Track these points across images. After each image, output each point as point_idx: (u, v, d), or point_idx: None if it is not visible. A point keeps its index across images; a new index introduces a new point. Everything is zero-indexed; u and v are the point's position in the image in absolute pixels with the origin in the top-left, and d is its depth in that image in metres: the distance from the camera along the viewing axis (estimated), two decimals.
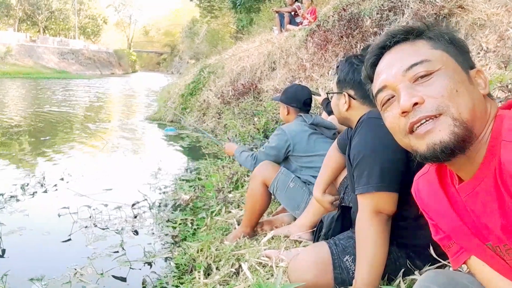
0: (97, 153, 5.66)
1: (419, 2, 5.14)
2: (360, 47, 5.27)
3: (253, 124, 5.13)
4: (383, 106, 0.80)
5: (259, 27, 12.34)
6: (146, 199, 3.41)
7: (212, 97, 7.27)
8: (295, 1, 8.22)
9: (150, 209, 3.28)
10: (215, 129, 6.66)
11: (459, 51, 0.77)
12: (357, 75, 1.49)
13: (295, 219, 2.30)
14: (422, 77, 0.73)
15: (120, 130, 7.72)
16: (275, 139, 2.37)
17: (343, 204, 1.76)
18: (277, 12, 8.39)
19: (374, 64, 0.83)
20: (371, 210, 1.28)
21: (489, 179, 0.71)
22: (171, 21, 61.44)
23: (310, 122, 2.37)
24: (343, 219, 1.65)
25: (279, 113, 5.15)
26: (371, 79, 0.85)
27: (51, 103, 12.03)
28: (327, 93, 2.87)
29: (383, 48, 0.82)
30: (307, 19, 7.68)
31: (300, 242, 2.04)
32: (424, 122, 0.70)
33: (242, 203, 2.89)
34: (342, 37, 5.94)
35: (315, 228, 1.84)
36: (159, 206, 3.35)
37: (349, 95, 1.53)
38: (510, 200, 0.67)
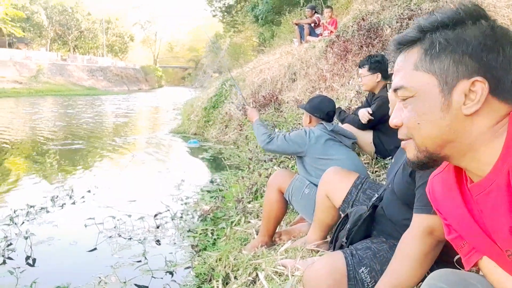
0: (123, 166, 5.83)
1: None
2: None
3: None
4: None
5: (280, 39, 12.46)
6: (168, 210, 3.50)
7: (233, 110, 7.38)
8: (314, 13, 8.28)
9: (172, 219, 3.36)
10: (237, 140, 6.74)
11: (452, 61, 0.70)
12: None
13: None
14: (403, 99, 0.77)
15: (146, 143, 7.92)
16: (295, 135, 2.42)
17: (375, 204, 1.67)
18: (296, 24, 8.46)
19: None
20: (424, 230, 1.26)
21: (501, 179, 0.70)
22: (195, 37, 62.74)
23: (330, 129, 2.41)
24: (369, 220, 1.63)
25: (300, 123, 5.23)
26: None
27: (81, 119, 12.48)
28: (378, 96, 2.90)
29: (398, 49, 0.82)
30: (328, 29, 7.72)
31: (317, 251, 2.05)
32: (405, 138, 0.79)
33: (261, 213, 2.92)
34: (362, 46, 5.94)
35: (331, 237, 1.83)
36: (181, 216, 3.43)
37: None
38: None
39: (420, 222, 1.28)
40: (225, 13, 24.63)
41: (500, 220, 0.72)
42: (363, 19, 6.25)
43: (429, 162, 0.77)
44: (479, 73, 0.69)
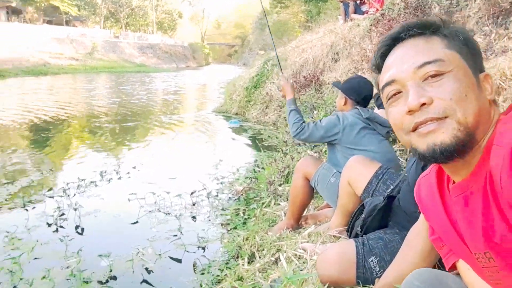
0: (167, 144, 6.12)
1: None
2: None
3: (311, 117, 5.17)
4: (388, 100, 0.79)
5: (326, 16, 12.15)
6: (204, 188, 3.68)
7: (274, 90, 7.40)
8: None
9: (207, 197, 3.53)
10: (276, 121, 6.81)
11: (472, 53, 0.76)
12: None
13: None
14: (432, 76, 0.72)
15: (190, 122, 8.21)
16: (327, 122, 2.33)
17: (392, 194, 1.71)
18: (341, 1, 8.21)
19: (385, 55, 0.82)
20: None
21: (479, 183, 0.71)
22: (242, 13, 62.39)
23: (365, 116, 2.30)
24: (384, 211, 1.67)
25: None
26: (379, 69, 0.83)
27: (133, 96, 13.08)
28: None
29: (397, 40, 0.79)
30: (374, 7, 7.44)
31: (338, 237, 2.11)
32: (429, 123, 0.71)
33: None
34: None
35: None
36: (216, 195, 3.59)
37: None
38: (495, 205, 0.68)
39: None
40: None
41: (473, 222, 0.74)
42: None
43: (466, 144, 0.70)
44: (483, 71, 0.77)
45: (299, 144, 4.02)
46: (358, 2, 7.91)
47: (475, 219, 0.73)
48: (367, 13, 7.62)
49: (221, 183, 3.95)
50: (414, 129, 0.73)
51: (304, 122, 2.42)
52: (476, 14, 4.74)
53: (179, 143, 6.22)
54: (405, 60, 0.76)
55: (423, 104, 0.71)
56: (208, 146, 6.03)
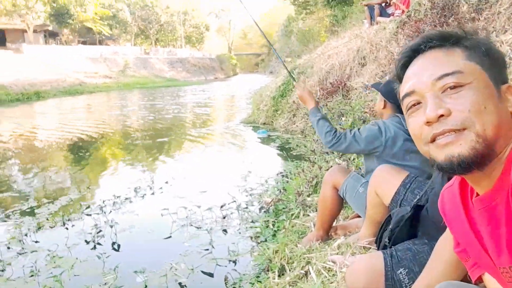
0: (198, 157, 6.24)
1: None
2: None
3: (339, 125, 5.13)
4: (408, 110, 0.80)
5: (352, 20, 12.05)
6: (234, 201, 3.73)
7: None
8: None
9: (237, 210, 3.58)
10: (304, 129, 6.79)
11: (494, 64, 0.76)
12: None
13: None
14: (451, 88, 0.72)
15: (219, 134, 8.34)
16: (368, 134, 2.19)
17: (419, 203, 1.67)
18: (366, 5, 8.13)
19: (405, 66, 0.82)
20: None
21: (503, 196, 0.71)
22: (267, 22, 62.90)
23: (407, 128, 2.21)
24: (412, 221, 1.65)
25: (365, 112, 5.12)
26: (400, 79, 0.85)
27: (164, 110, 13.45)
28: None
29: (417, 51, 0.80)
30: (399, 8, 7.31)
31: (369, 248, 2.09)
32: (447, 135, 0.71)
33: None
34: (435, 26, 5.55)
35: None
36: (246, 207, 3.63)
37: None
38: None
39: None
40: None
41: (498, 236, 0.74)
42: None
43: (484, 157, 0.69)
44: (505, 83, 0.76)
45: (327, 153, 4.00)
46: (383, 4, 7.81)
47: (499, 233, 0.73)
48: (393, 15, 7.50)
49: (250, 195, 3.98)
50: (433, 140, 0.73)
51: (336, 130, 2.29)
52: (508, 10, 4.57)
53: (209, 155, 6.34)
54: (425, 71, 0.77)
55: (441, 115, 0.71)
56: (237, 157, 6.10)
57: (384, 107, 2.33)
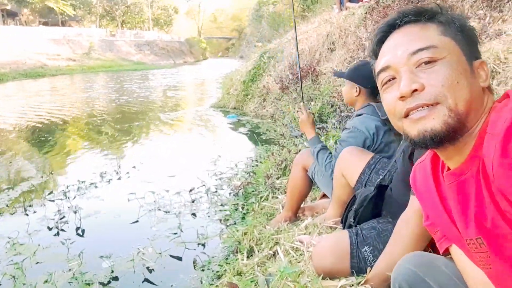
0: (166, 141, 6.13)
1: None
2: None
3: (309, 109, 5.17)
4: (383, 86, 0.81)
5: (322, 5, 12.08)
6: (203, 185, 3.70)
7: (271, 83, 7.39)
8: None
9: (206, 194, 3.55)
10: (274, 114, 6.80)
11: (467, 40, 0.76)
12: None
13: None
14: (426, 63, 0.73)
15: (188, 119, 8.22)
16: (353, 140, 2.11)
17: (383, 183, 1.72)
18: None
19: (381, 41, 0.83)
20: (418, 211, 1.27)
21: (473, 170, 0.73)
22: (238, 6, 62.06)
23: (384, 118, 2.08)
24: (375, 200, 1.68)
25: (334, 97, 5.18)
26: (376, 55, 0.85)
27: (130, 94, 13.08)
28: None
29: (392, 27, 0.81)
30: None
31: (335, 228, 2.13)
32: (420, 109, 0.72)
33: None
34: None
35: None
36: (215, 191, 3.61)
37: None
38: (487, 192, 0.69)
39: (414, 203, 1.31)
40: None
41: (466, 208, 0.76)
42: None
43: (456, 131, 0.71)
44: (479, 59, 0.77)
45: (296, 137, 4.03)
46: None
47: (468, 205, 0.75)
48: (361, 1, 7.56)
49: (220, 179, 3.97)
50: (406, 115, 0.74)
51: (331, 155, 2.22)
52: None
53: (178, 140, 6.25)
54: (399, 46, 0.77)
55: (415, 90, 0.72)
56: (207, 142, 6.05)
57: (359, 93, 2.22)
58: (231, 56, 48.41)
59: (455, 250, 0.87)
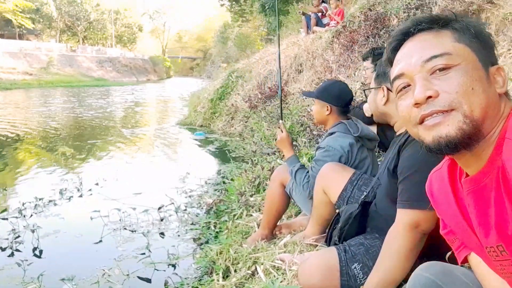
0: (131, 158, 5.90)
1: None
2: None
3: (279, 127, 5.17)
4: (398, 93, 0.81)
5: (288, 29, 12.36)
6: (172, 203, 3.55)
7: (240, 101, 7.39)
8: (321, 2, 8.18)
9: (176, 212, 3.40)
10: (242, 132, 6.76)
11: (483, 46, 0.76)
12: None
13: None
14: (440, 70, 0.73)
15: (153, 135, 8.00)
16: (327, 160, 2.06)
17: (366, 200, 1.68)
18: (303, 14, 8.38)
19: (396, 49, 0.83)
20: (409, 225, 1.27)
21: (492, 177, 0.71)
22: (204, 27, 62.62)
23: (356, 135, 2.09)
24: (360, 217, 1.65)
25: (303, 116, 5.22)
26: (391, 63, 0.85)
27: (90, 110, 12.61)
28: (363, 90, 2.80)
29: (407, 35, 0.81)
30: (334, 20, 7.64)
31: (315, 246, 2.07)
32: (435, 116, 0.72)
33: (263, 206, 2.94)
34: (368, 37, 5.87)
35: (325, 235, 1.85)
36: (185, 209, 3.47)
37: (388, 89, 1.50)
38: (507, 198, 0.68)
39: (403, 217, 1.30)
40: (233, 2, 24.45)
41: (486, 216, 0.74)
42: (369, 9, 6.17)
43: (471, 137, 0.70)
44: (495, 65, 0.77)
45: (268, 154, 3.99)
46: (319, 15, 8.10)
47: (488, 212, 0.74)
48: (328, 25, 7.81)
49: (190, 196, 3.83)
50: (421, 122, 0.74)
51: (308, 174, 2.18)
52: None
53: (143, 157, 6.03)
54: (414, 54, 0.77)
55: (429, 97, 0.72)
56: (174, 159, 5.89)
57: (330, 112, 2.20)
58: (195, 76, 48.42)
59: (474, 258, 0.86)
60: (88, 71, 38.32)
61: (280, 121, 2.48)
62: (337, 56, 6.37)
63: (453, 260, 1.37)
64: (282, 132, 2.38)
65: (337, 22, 7.43)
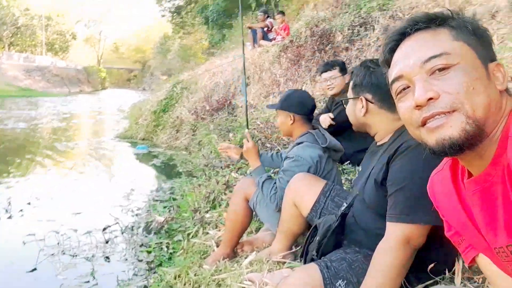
0: (66, 175, 5.41)
1: (389, 18, 5.28)
2: None
3: (229, 140, 5.05)
4: (398, 95, 0.79)
5: (232, 42, 12.39)
6: (117, 223, 3.25)
7: (185, 114, 7.17)
8: (267, 17, 8.30)
9: (122, 233, 3.12)
10: (189, 146, 6.54)
11: (481, 43, 0.75)
12: (374, 78, 1.45)
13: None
14: (440, 70, 0.71)
15: (90, 150, 7.45)
16: (295, 170, 1.99)
17: (344, 212, 1.60)
18: (249, 28, 8.43)
19: (393, 50, 0.81)
20: (401, 240, 1.22)
21: (497, 176, 0.70)
22: (142, 37, 61.07)
23: (324, 145, 2.05)
24: (337, 230, 1.56)
25: (254, 128, 5.16)
26: (388, 64, 0.83)
27: (17, 122, 11.53)
28: (341, 100, 2.77)
29: (403, 35, 0.79)
30: (280, 35, 7.76)
31: (284, 263, 1.97)
32: (437, 117, 0.70)
33: (221, 223, 2.79)
34: (314, 52, 6.01)
35: (297, 248, 1.76)
36: (132, 229, 3.20)
37: (366, 99, 1.46)
38: None
39: (395, 231, 1.24)
40: (175, 14, 24.12)
41: (494, 216, 0.72)
42: (316, 25, 6.34)
43: (475, 137, 0.69)
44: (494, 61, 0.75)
45: (221, 167, 3.84)
46: (265, 29, 8.20)
47: (495, 212, 0.72)
48: (274, 40, 7.92)
49: (137, 215, 3.55)
50: (423, 124, 0.73)
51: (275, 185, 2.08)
52: (375, 43, 5.20)
53: (81, 173, 5.56)
54: (412, 55, 0.75)
55: (430, 98, 0.70)
56: (116, 175, 5.50)
57: (293, 121, 2.15)
58: (133, 87, 46.87)
59: (483, 259, 0.85)
60: (14, 80, 35.38)
61: (246, 130, 2.39)
62: (284, 70, 6.45)
63: (437, 272, 1.35)
64: (248, 141, 2.27)
65: (283, 37, 7.56)
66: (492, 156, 0.71)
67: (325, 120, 2.82)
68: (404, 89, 0.77)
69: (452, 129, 0.69)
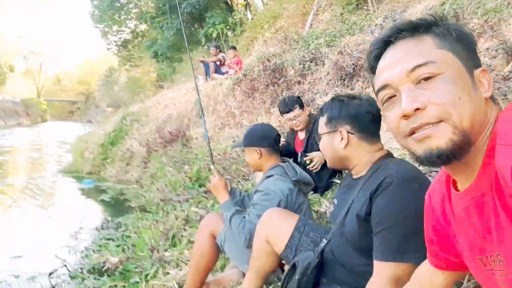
0: (2, 214, 4.91)
1: (338, 54, 5.54)
2: (286, 94, 5.41)
3: (184, 173, 4.90)
4: (384, 104, 0.78)
5: (182, 75, 12.35)
6: (65, 265, 2.96)
7: (136, 146, 6.91)
8: (219, 52, 8.42)
9: (71, 277, 2.84)
10: (140, 179, 6.26)
11: (466, 50, 0.75)
12: (351, 109, 1.43)
13: (244, 275, 2.10)
14: (425, 79, 0.71)
15: (29, 186, 6.87)
16: (266, 204, 1.94)
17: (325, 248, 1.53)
18: (202, 61, 8.48)
19: (378, 57, 0.81)
20: (390, 279, 1.18)
21: (487, 185, 0.69)
22: (86, 69, 59.31)
23: (295, 178, 2.02)
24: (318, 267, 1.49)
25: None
26: (373, 71, 0.82)
27: None
28: (314, 137, 2.73)
29: (387, 43, 0.79)
30: (233, 69, 7.87)
31: None
32: (425, 128, 0.70)
33: (182, 261, 2.63)
34: (268, 85, 6.12)
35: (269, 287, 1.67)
36: (82, 272, 2.91)
37: (347, 131, 1.43)
38: (501, 208, 0.65)
39: (384, 271, 1.20)
40: (121, 47, 23.76)
41: (484, 225, 0.72)
42: (268, 60, 6.50)
43: (462, 147, 0.69)
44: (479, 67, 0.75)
45: (179, 201, 3.68)
46: (218, 63, 8.28)
47: (486, 222, 0.71)
48: (227, 73, 8.00)
49: (86, 256, 3.26)
50: (411, 134, 0.72)
51: (246, 222, 1.98)
52: (326, 77, 5.40)
53: (20, 211, 5.08)
54: (397, 64, 0.75)
55: (417, 109, 0.70)
56: (60, 212, 5.08)
57: (261, 156, 2.11)
58: (75, 120, 44.86)
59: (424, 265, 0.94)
60: None
61: (212, 166, 2.29)
62: (239, 102, 6.48)
63: None
64: (215, 176, 2.17)
65: (236, 71, 7.66)
66: (480, 164, 0.71)
67: (320, 159, 2.78)
68: (390, 97, 0.77)
69: (439, 140, 0.69)
